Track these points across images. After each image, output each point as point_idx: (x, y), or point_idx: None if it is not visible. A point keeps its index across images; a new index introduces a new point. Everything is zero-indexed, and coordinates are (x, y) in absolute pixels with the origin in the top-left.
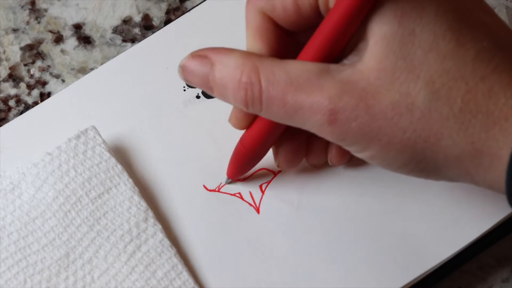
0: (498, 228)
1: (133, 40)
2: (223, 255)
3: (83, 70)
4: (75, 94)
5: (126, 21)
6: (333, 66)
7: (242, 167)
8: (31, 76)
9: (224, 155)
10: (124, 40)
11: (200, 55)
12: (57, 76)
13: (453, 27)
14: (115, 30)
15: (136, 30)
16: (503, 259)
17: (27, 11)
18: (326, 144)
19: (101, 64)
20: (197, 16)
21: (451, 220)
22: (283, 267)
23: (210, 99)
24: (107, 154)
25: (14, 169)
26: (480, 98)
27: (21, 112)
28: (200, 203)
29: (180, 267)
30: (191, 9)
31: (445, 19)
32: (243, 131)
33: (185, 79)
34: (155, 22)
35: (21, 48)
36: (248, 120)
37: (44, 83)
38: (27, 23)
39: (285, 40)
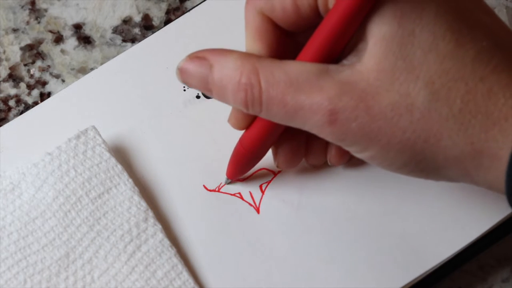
0: (498, 228)
1: (133, 40)
2: (223, 255)
3: (83, 70)
4: (75, 94)
5: (126, 21)
6: (332, 67)
7: (241, 167)
8: (31, 76)
9: (224, 155)
10: (124, 40)
11: (198, 56)
12: (57, 76)
13: (453, 27)
14: (115, 30)
15: (136, 30)
16: (503, 259)
17: (27, 11)
18: (326, 144)
19: (101, 64)
20: (197, 16)
21: (451, 220)
22: (283, 267)
23: (210, 99)
24: (107, 154)
25: (14, 169)
26: (480, 98)
27: (21, 112)
28: (200, 203)
29: (180, 267)
30: (191, 9)
31: (444, 19)
32: (242, 132)
33: (184, 81)
34: (155, 22)
35: (21, 48)
36: (247, 120)
37: (44, 83)
38: (27, 23)
39: (284, 40)
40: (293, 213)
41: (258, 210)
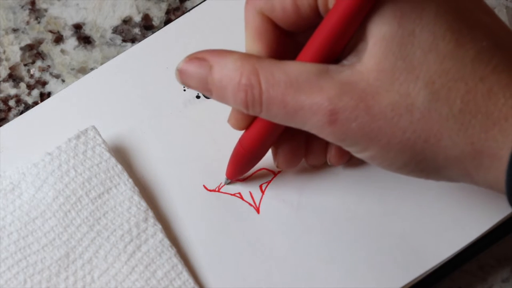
0: (498, 228)
1: (133, 40)
2: (223, 255)
3: (83, 70)
4: (75, 94)
5: (126, 21)
6: (332, 67)
7: (241, 167)
8: (31, 76)
9: (224, 155)
10: (124, 40)
11: (197, 57)
12: (57, 76)
13: (453, 27)
14: (115, 30)
15: (136, 30)
16: (503, 259)
17: (27, 11)
18: (325, 144)
19: (101, 64)
20: (197, 16)
21: (451, 220)
22: (283, 267)
23: (210, 99)
24: (107, 154)
25: (14, 169)
26: (480, 98)
27: (21, 112)
28: (200, 203)
29: (180, 267)
30: (191, 9)
31: (444, 19)
32: (242, 132)
33: (183, 83)
34: (155, 22)
35: (21, 48)
36: (247, 120)
37: (44, 83)
38: (27, 23)
39: (284, 40)
40: (293, 213)
41: (258, 210)
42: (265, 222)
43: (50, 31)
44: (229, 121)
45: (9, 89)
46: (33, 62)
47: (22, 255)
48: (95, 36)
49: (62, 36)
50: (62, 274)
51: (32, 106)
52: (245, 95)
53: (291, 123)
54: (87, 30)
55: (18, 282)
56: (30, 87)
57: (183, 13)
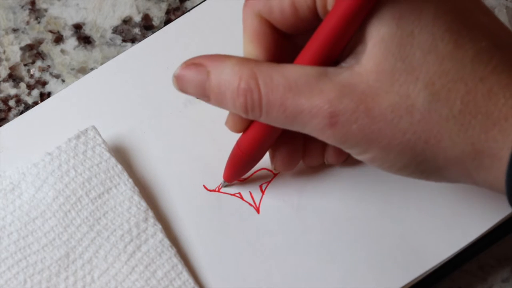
0: (498, 228)
1: (133, 40)
2: (223, 255)
3: (83, 70)
4: (75, 94)
5: (126, 21)
6: (331, 69)
7: (238, 170)
8: (31, 76)
9: (224, 155)
10: (124, 40)
11: (194, 63)
12: (57, 76)
13: (452, 28)
14: (115, 30)
15: (136, 30)
16: (503, 259)
17: (27, 11)
18: (323, 145)
19: (101, 64)
20: (197, 16)
21: (451, 220)
22: (283, 267)
23: None
24: (107, 154)
25: (14, 169)
26: (480, 99)
27: (21, 112)
28: (200, 203)
29: (180, 267)
30: (191, 9)
31: (443, 20)
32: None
33: (180, 89)
34: (155, 22)
35: (21, 48)
36: (245, 123)
37: (44, 83)
38: (27, 23)
39: (282, 43)
40: (293, 213)
41: (258, 210)
42: (265, 222)
43: (50, 31)
44: (226, 123)
45: (9, 89)
46: (33, 62)
47: (22, 255)
48: (95, 36)
49: (62, 36)
50: (62, 274)
51: (32, 106)
52: (245, 99)
53: (291, 127)
54: (87, 30)
55: (18, 282)
56: (30, 87)
57: (183, 13)
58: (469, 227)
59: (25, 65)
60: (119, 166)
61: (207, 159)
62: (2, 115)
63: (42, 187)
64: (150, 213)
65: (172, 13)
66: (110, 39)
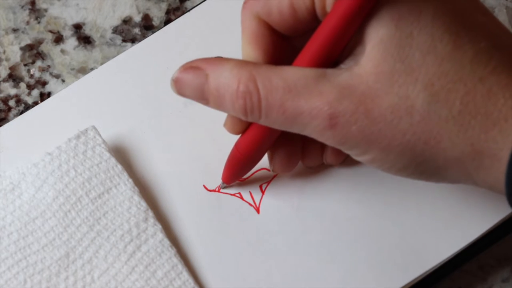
0: (498, 228)
1: (133, 40)
2: (223, 255)
3: (83, 70)
4: (75, 94)
5: (126, 21)
6: (330, 71)
7: (237, 172)
8: (31, 76)
9: (224, 155)
10: (124, 40)
11: (192, 66)
12: (57, 76)
13: (451, 29)
14: (115, 30)
15: (136, 30)
16: (503, 259)
17: (27, 11)
18: (322, 146)
19: (101, 64)
20: (197, 16)
21: (451, 220)
22: (283, 267)
23: None
24: (107, 154)
25: (14, 169)
26: (479, 99)
27: (21, 112)
28: (200, 203)
29: (180, 267)
30: (191, 9)
31: (442, 21)
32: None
33: (178, 92)
34: (155, 22)
35: (21, 48)
36: (243, 125)
37: (44, 83)
38: (27, 23)
39: (280, 45)
40: (293, 213)
41: (258, 210)
42: (265, 222)
43: (50, 31)
44: (225, 125)
45: (9, 89)
46: (33, 62)
47: (22, 255)
48: (95, 36)
49: (62, 36)
50: (62, 274)
51: (32, 106)
52: (244, 102)
53: (290, 128)
54: (87, 30)
55: (18, 282)
56: (30, 87)
57: (183, 13)
58: (469, 227)
59: (25, 65)
60: (119, 166)
61: (207, 159)
62: (2, 115)
63: (42, 187)
64: (150, 213)
65: (172, 13)
66: (110, 39)
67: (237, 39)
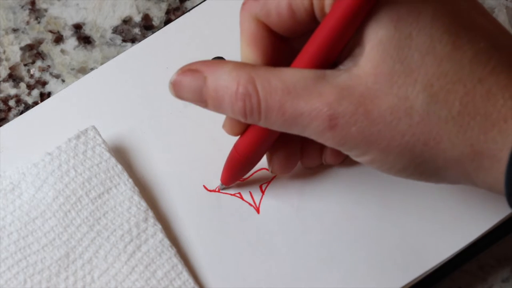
0: (498, 228)
1: (133, 40)
2: (223, 255)
3: (83, 70)
4: (75, 94)
5: (126, 21)
6: (329, 72)
7: (236, 173)
8: (31, 76)
9: (224, 155)
10: (124, 40)
11: (191, 69)
12: (57, 76)
13: (450, 30)
14: (115, 30)
15: (136, 30)
16: (503, 259)
17: (27, 11)
18: (321, 146)
19: (101, 64)
20: (197, 16)
21: (451, 220)
22: (283, 267)
23: None
24: (107, 154)
25: (14, 169)
26: (479, 100)
27: (21, 112)
28: (200, 203)
29: (180, 267)
30: (191, 9)
31: (441, 22)
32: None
33: (177, 95)
34: (155, 22)
35: (21, 48)
36: (242, 126)
37: (44, 83)
38: (27, 23)
39: (279, 46)
40: (293, 213)
41: (258, 210)
42: (265, 222)
43: (50, 31)
44: (224, 127)
45: (9, 89)
46: (33, 62)
47: (22, 255)
48: (95, 36)
49: (62, 36)
50: (62, 274)
51: (32, 106)
52: (243, 104)
53: (290, 130)
54: (87, 30)
55: (18, 282)
56: (30, 87)
57: (183, 13)
58: (469, 228)
59: (25, 65)
60: (119, 166)
61: (207, 159)
62: (2, 115)
63: (42, 187)
64: (150, 213)
65: (172, 13)
66: (110, 39)
67: (237, 39)
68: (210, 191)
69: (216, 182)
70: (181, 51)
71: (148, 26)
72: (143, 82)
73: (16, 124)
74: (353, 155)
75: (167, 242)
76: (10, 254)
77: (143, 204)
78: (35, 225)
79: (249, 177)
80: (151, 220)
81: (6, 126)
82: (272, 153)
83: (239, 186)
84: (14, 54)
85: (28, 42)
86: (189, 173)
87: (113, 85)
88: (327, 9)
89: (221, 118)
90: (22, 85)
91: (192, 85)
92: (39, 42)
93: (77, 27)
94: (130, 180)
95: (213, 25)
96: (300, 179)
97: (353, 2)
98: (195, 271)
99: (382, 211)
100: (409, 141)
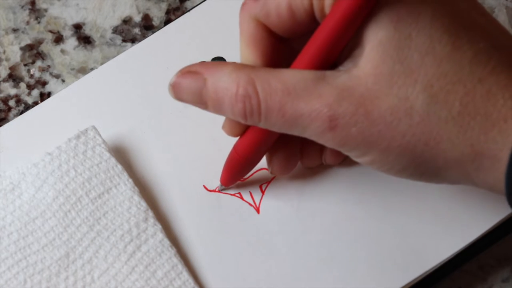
0: (498, 228)
1: (133, 40)
2: (223, 255)
3: (83, 70)
4: (75, 94)
5: (126, 21)
6: (329, 73)
7: (235, 174)
8: (31, 76)
9: (224, 155)
10: (124, 40)
11: (190, 71)
12: (57, 76)
13: (450, 30)
14: (115, 30)
15: (136, 30)
16: (503, 259)
17: (27, 11)
18: (321, 146)
19: (101, 64)
20: (197, 16)
21: (451, 220)
22: (283, 267)
23: None
24: (107, 154)
25: (14, 169)
26: (479, 100)
27: (21, 112)
28: (200, 203)
29: (180, 267)
30: (191, 9)
31: (441, 22)
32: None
33: (176, 97)
34: (155, 22)
35: (21, 48)
36: (241, 127)
37: (44, 83)
38: (27, 23)
39: (279, 47)
40: (293, 213)
41: (258, 210)
42: (265, 222)
43: (50, 31)
44: (223, 128)
45: (9, 89)
46: (33, 62)
47: (22, 255)
48: (95, 36)
49: (62, 36)
50: (62, 274)
51: (32, 106)
52: (243, 105)
53: (290, 131)
54: (87, 30)
55: (18, 282)
56: (30, 87)
57: (183, 13)
58: (469, 228)
59: (25, 65)
60: (119, 166)
61: (207, 159)
62: (2, 115)
63: (42, 187)
64: (150, 213)
65: (172, 13)
66: (110, 39)
67: (237, 40)
68: (210, 191)
69: (216, 182)
70: (181, 51)
71: (148, 26)
72: (143, 82)
73: (16, 124)
74: (353, 155)
75: (167, 242)
76: (10, 254)
77: (143, 204)
78: (35, 225)
79: (249, 177)
80: (151, 220)
81: (6, 126)
82: (271, 154)
83: (239, 186)
84: (14, 54)
85: (28, 42)
86: (189, 173)
87: (113, 85)
88: (327, 9)
89: (221, 118)
90: (22, 85)
91: (192, 87)
92: (39, 42)
93: (77, 27)
94: (130, 180)
95: (213, 25)
96: (300, 179)
97: (353, 3)
98: (195, 271)
99: (382, 211)
100: (409, 141)
